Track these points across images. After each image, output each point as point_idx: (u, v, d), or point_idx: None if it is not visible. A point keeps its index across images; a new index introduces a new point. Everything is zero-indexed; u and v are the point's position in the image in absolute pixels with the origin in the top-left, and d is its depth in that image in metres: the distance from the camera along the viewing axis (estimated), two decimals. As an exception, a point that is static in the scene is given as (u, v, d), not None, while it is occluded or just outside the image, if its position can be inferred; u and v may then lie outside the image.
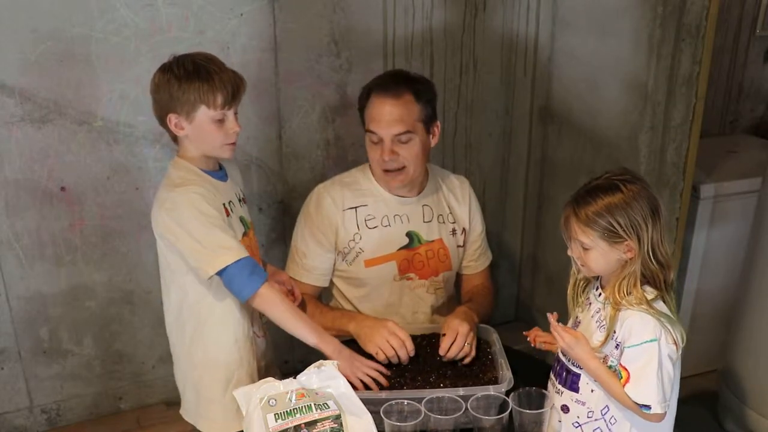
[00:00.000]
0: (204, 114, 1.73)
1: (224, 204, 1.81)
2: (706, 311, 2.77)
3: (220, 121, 1.75)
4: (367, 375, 1.78)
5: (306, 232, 2.10)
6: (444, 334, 1.91)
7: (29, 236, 2.35)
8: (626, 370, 1.54)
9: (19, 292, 2.40)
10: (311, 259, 2.10)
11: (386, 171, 2.03)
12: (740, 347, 2.51)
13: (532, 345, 1.80)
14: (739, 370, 2.51)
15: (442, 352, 1.87)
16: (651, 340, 1.52)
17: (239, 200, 1.91)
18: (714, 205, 2.67)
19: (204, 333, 1.86)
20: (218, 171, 1.86)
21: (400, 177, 2.04)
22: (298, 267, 2.11)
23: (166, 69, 1.74)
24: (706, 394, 2.70)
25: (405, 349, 1.86)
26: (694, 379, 2.67)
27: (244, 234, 1.88)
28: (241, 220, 1.88)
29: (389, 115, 1.97)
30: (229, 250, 1.73)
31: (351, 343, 1.92)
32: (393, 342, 1.86)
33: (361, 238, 2.09)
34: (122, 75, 2.28)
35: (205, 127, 1.74)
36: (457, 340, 1.87)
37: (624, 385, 1.54)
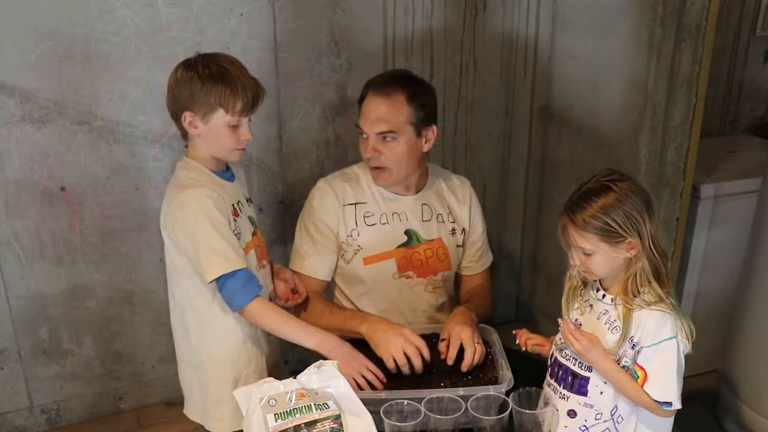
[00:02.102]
0: (221, 118, 1.73)
1: (233, 204, 1.81)
2: (706, 311, 2.77)
3: (235, 127, 1.75)
4: (363, 377, 1.77)
5: (310, 226, 2.10)
6: (443, 339, 1.90)
7: (29, 236, 2.35)
8: (643, 369, 1.55)
9: (19, 292, 2.40)
10: (316, 252, 2.10)
11: (372, 168, 2.05)
12: (740, 347, 2.51)
13: (522, 347, 1.79)
14: (739, 370, 2.51)
15: (450, 362, 1.85)
16: (670, 338, 1.54)
17: (246, 200, 1.91)
18: (714, 205, 2.67)
19: (210, 333, 1.86)
20: (226, 171, 1.86)
21: (383, 176, 2.05)
22: (303, 261, 2.11)
23: (190, 66, 1.73)
24: (706, 394, 2.70)
25: (419, 359, 1.83)
26: (694, 379, 2.66)
27: (253, 233, 1.88)
28: (250, 219, 1.89)
29: (375, 113, 1.98)
30: (226, 260, 1.73)
31: (359, 344, 1.91)
32: (408, 350, 1.84)
33: (359, 235, 2.09)
34: (122, 75, 2.28)
35: (219, 130, 1.75)
36: (466, 345, 1.85)
37: (642, 385, 1.54)
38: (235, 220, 1.80)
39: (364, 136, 2.02)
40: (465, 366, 1.84)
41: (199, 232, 1.72)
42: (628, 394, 1.58)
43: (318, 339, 1.79)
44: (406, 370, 1.83)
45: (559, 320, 1.65)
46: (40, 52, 2.18)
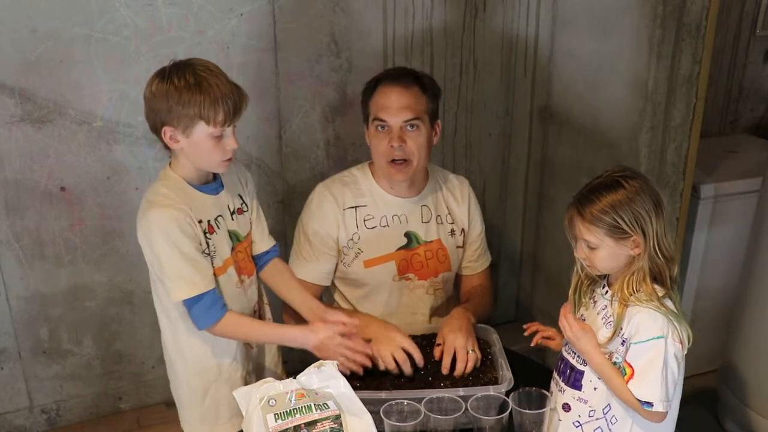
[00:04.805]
0: (202, 130, 1.64)
1: (209, 221, 1.75)
2: (706, 311, 2.77)
3: (218, 138, 1.66)
4: (351, 359, 1.78)
5: (309, 231, 2.10)
6: (439, 344, 1.90)
7: (29, 236, 2.35)
8: (631, 366, 1.55)
9: (19, 292, 2.40)
10: (314, 257, 2.10)
11: (392, 162, 2.03)
12: (740, 347, 2.51)
13: (526, 335, 1.80)
14: (739, 370, 2.51)
15: (444, 371, 1.85)
16: (658, 337, 1.53)
17: (232, 212, 1.83)
18: (714, 205, 2.67)
19: (182, 344, 1.84)
20: (212, 183, 1.79)
21: (405, 169, 2.04)
22: (302, 266, 2.11)
23: (165, 77, 1.64)
24: (706, 394, 2.70)
25: (408, 364, 1.84)
26: (694, 379, 2.67)
27: (233, 249, 1.82)
28: (232, 233, 1.81)
29: (398, 102, 1.99)
30: (191, 284, 1.70)
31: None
32: (398, 356, 1.85)
33: (359, 238, 2.09)
34: (122, 75, 2.28)
35: (202, 143, 1.66)
36: (458, 356, 1.85)
37: (627, 381, 1.54)
38: (208, 238, 1.74)
39: (383, 128, 2.00)
40: (456, 375, 1.84)
41: (164, 255, 1.68)
42: (615, 390, 1.57)
43: (283, 334, 1.82)
44: (406, 368, 1.83)
45: (564, 306, 1.67)
46: (40, 52, 2.18)
